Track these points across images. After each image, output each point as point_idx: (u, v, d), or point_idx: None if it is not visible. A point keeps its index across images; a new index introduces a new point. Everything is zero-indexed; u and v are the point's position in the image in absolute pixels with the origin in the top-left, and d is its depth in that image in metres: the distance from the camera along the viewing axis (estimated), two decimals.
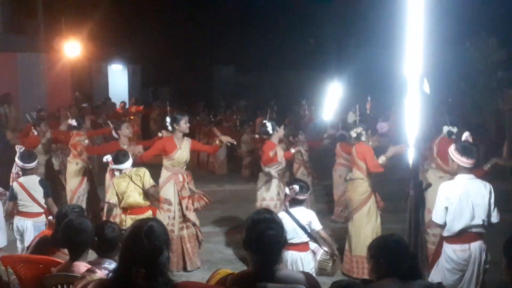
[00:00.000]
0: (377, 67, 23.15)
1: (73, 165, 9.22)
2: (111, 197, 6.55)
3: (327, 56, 26.53)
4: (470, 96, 16.21)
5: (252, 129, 15.06)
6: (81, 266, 3.52)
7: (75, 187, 9.15)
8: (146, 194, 6.55)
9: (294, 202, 5.37)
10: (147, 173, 6.61)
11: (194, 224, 7.52)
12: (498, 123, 15.02)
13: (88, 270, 3.30)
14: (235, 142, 8.21)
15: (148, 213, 6.64)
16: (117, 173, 6.76)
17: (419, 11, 4.64)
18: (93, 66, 23.30)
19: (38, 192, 6.46)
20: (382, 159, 6.98)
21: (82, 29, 18.52)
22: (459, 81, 16.13)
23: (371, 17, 22.55)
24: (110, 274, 2.89)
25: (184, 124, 7.31)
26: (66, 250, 3.85)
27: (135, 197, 6.51)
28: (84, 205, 8.60)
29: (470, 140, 5.52)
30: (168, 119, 7.45)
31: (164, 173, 7.39)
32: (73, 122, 9.39)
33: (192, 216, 7.44)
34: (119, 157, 6.69)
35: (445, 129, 8.13)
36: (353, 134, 7.38)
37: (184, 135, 7.47)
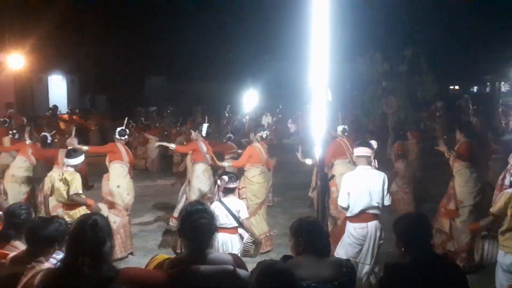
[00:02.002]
0: (286, 78, 23.67)
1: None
2: (47, 189, 6.29)
3: (244, 69, 26.78)
4: (361, 102, 16.82)
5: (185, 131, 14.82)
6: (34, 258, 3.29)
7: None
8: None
9: (226, 191, 5.34)
10: (77, 180, 6.20)
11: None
12: (383, 124, 15.70)
13: (37, 261, 3.11)
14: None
15: (81, 208, 6.26)
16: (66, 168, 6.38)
17: (322, 30, 4.74)
18: (34, 77, 22.31)
19: None
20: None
21: (24, 44, 17.65)
22: (352, 90, 16.72)
23: (280, 36, 22.93)
24: (58, 263, 2.76)
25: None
26: (15, 243, 3.63)
27: (62, 195, 6.20)
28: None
29: (375, 146, 5.69)
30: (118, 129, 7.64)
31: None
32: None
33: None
34: (71, 153, 6.37)
35: (340, 128, 8.39)
36: (264, 135, 7.59)
37: None
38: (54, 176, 6.25)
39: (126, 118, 8.15)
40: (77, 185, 6.15)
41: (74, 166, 6.31)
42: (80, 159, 6.38)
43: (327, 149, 7.95)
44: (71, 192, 6.11)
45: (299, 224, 3.33)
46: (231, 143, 9.73)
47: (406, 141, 9.69)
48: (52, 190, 6.25)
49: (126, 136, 7.68)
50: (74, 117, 18.56)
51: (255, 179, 7.39)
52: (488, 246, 5.06)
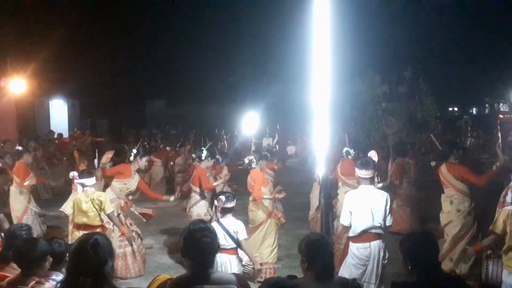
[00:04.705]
0: (285, 100, 23.78)
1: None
2: (65, 207, 6.27)
3: (244, 92, 26.89)
4: (361, 123, 16.79)
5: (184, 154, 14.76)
6: (32, 280, 3.24)
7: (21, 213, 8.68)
8: (104, 216, 6.28)
9: (224, 211, 5.28)
10: (108, 200, 6.36)
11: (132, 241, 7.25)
12: (383, 145, 15.65)
13: (37, 282, 3.06)
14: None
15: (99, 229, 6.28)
16: (79, 187, 6.38)
17: (323, 50, 4.78)
18: (36, 101, 22.40)
19: None
20: (264, 197, 7.02)
21: (26, 68, 17.77)
22: (351, 111, 16.69)
23: (280, 59, 23.13)
24: (59, 284, 2.71)
25: (144, 161, 7.42)
26: (15, 265, 3.57)
27: (92, 218, 6.21)
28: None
29: (375, 157, 5.64)
30: (134, 151, 7.45)
31: (109, 195, 7.11)
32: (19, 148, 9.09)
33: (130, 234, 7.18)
34: (84, 174, 6.42)
35: (344, 149, 8.40)
36: (246, 161, 7.42)
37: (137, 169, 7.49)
38: (79, 199, 6.22)
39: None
40: (109, 204, 6.32)
41: (93, 186, 6.36)
42: (93, 180, 6.41)
43: (338, 167, 7.96)
44: (107, 211, 6.22)
45: (303, 241, 3.29)
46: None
47: (407, 158, 9.64)
48: (75, 213, 6.24)
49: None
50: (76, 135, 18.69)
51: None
52: (492, 266, 4.99)
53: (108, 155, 7.64)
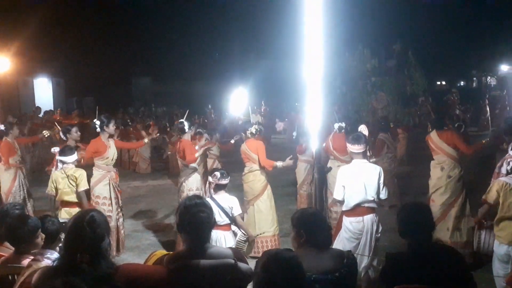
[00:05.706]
0: (273, 76, 23.70)
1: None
2: (50, 189, 6.22)
3: (231, 68, 26.74)
4: (350, 98, 16.80)
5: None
6: (26, 258, 3.24)
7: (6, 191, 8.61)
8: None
9: (218, 187, 5.30)
10: (84, 176, 6.25)
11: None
12: (373, 119, 15.72)
13: (34, 260, 3.06)
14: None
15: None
16: (60, 165, 6.32)
17: (315, 25, 4.74)
18: (20, 80, 22.12)
19: None
20: (277, 164, 6.97)
21: (9, 46, 17.41)
22: (341, 86, 16.65)
23: (268, 35, 22.95)
24: (55, 261, 2.71)
25: (112, 127, 7.16)
26: (9, 245, 3.56)
27: (68, 194, 6.19)
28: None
29: (366, 131, 5.65)
30: (97, 122, 7.10)
31: (98, 172, 7.03)
32: (1, 127, 8.86)
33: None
34: (65, 150, 6.31)
35: (336, 125, 8.38)
36: (253, 130, 7.30)
37: (110, 136, 7.24)
38: (56, 176, 6.19)
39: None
40: (85, 182, 6.21)
41: (73, 163, 6.28)
42: (74, 157, 6.31)
43: (330, 140, 7.96)
44: (80, 189, 6.13)
45: (300, 215, 3.29)
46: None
47: (387, 134, 9.69)
48: (56, 191, 6.20)
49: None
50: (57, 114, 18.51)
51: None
52: (485, 235, 5.08)
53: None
